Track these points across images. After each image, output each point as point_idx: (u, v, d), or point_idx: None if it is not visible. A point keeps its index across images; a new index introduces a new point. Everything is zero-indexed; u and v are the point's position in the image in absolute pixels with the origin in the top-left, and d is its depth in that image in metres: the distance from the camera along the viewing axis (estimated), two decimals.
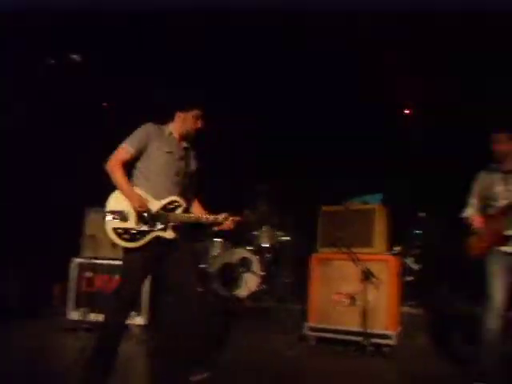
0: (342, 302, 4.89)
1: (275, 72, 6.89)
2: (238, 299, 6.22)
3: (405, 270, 6.14)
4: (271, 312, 5.90)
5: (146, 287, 5.18)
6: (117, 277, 5.28)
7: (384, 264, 4.80)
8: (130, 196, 3.33)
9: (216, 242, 6.71)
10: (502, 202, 3.89)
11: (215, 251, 6.57)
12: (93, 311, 5.33)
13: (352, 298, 4.85)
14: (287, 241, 6.87)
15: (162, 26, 6.13)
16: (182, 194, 3.52)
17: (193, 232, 4.86)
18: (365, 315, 4.64)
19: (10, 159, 6.38)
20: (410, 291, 5.99)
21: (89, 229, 5.68)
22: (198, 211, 3.70)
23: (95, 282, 5.54)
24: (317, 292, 5.02)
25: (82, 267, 5.58)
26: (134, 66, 6.78)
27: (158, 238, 3.37)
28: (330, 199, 5.41)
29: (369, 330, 4.59)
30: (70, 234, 5.92)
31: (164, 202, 3.43)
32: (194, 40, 6.30)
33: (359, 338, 4.61)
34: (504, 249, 3.83)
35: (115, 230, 3.30)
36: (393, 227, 5.33)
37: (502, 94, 6.01)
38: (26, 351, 4.59)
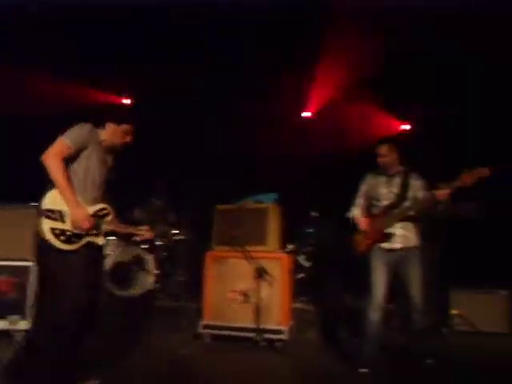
0: (237, 299, 4.96)
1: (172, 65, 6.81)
2: (132, 298, 6.10)
3: (297, 268, 6.36)
4: (166, 311, 5.85)
5: (31, 290, 4.85)
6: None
7: (277, 262, 4.94)
8: (70, 201, 3.17)
9: (109, 240, 6.50)
10: (384, 203, 4.20)
11: (108, 250, 6.38)
12: None
13: (246, 296, 4.94)
14: (182, 239, 6.84)
15: None
16: (102, 202, 3.47)
17: None
18: (258, 312, 4.76)
19: None
20: (301, 288, 6.23)
21: None
22: None
23: None
24: (211, 290, 5.06)
25: None
26: None
27: (89, 242, 3.30)
28: (226, 198, 5.47)
29: (262, 326, 4.72)
30: None
31: (95, 208, 3.36)
32: None
33: (253, 334, 4.72)
34: (385, 246, 4.13)
35: (53, 230, 3.13)
36: (286, 226, 5.50)
37: None
38: None
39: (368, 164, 4.36)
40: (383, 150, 4.21)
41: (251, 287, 4.90)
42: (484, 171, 3.73)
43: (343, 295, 6.54)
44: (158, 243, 6.57)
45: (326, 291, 6.60)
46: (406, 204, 4.11)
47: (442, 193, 3.86)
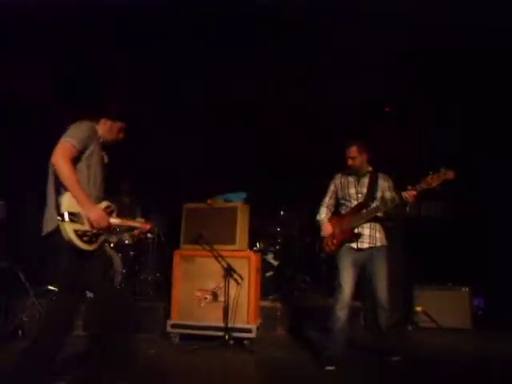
0: (205, 298, 4.96)
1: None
2: None
3: (265, 266, 6.38)
4: (133, 310, 5.79)
5: None
6: None
7: (245, 260, 4.96)
8: (86, 203, 3.16)
9: None
10: (353, 203, 4.26)
11: None
12: None
13: (214, 294, 4.94)
14: (151, 238, 6.78)
15: None
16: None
17: None
18: (227, 310, 4.77)
19: None
20: (269, 286, 6.26)
21: None
22: None
23: None
24: (180, 289, 5.03)
25: None
26: None
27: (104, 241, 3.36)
28: (194, 197, 5.45)
29: (230, 325, 4.73)
30: None
31: (102, 206, 3.35)
32: None
33: (221, 333, 4.72)
34: (353, 245, 4.20)
35: (76, 232, 3.10)
36: (254, 225, 5.51)
37: None
38: None
39: (338, 164, 4.41)
40: (353, 151, 4.25)
41: (219, 286, 4.91)
42: (449, 174, 3.83)
43: (310, 293, 6.61)
44: (126, 242, 6.49)
45: (294, 289, 6.65)
46: (374, 204, 4.18)
47: (409, 194, 3.94)
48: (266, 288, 5.94)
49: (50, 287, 5.79)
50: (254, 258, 5.01)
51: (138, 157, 7.05)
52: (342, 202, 4.36)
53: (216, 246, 4.93)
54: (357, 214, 4.19)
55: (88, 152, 3.28)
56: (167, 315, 5.07)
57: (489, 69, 5.82)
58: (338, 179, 4.43)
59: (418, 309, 5.94)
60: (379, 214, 4.19)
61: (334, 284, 4.24)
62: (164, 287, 5.44)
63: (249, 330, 4.78)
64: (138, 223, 3.92)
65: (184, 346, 4.77)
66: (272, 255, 6.77)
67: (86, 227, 3.18)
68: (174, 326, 4.94)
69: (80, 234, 3.13)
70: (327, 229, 4.30)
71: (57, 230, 3.10)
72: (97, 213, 3.19)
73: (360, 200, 4.24)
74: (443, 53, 5.74)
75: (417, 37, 5.45)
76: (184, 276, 5.05)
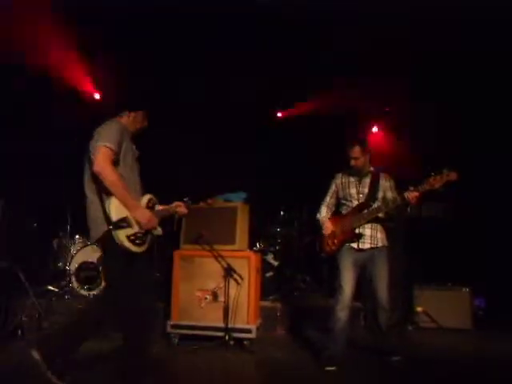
0: (205, 298, 4.95)
1: None
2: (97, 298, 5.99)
3: (265, 266, 6.38)
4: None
5: None
6: None
7: (245, 260, 4.94)
8: (133, 206, 3.20)
9: (76, 239, 6.40)
10: (354, 203, 4.24)
11: (75, 248, 6.27)
12: None
13: (214, 294, 4.93)
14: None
15: None
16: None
17: None
18: (226, 310, 4.76)
19: None
20: (269, 286, 6.25)
21: None
22: None
23: None
24: (179, 289, 5.02)
25: None
26: None
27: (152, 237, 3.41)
28: (195, 197, 5.43)
29: (231, 325, 4.72)
30: None
31: (145, 200, 3.38)
32: None
33: (221, 333, 4.71)
34: (353, 245, 4.19)
35: (128, 237, 3.15)
36: (254, 225, 5.50)
37: None
38: None
39: (339, 163, 4.40)
40: (356, 151, 4.22)
41: (219, 286, 4.89)
42: (452, 175, 3.81)
43: (310, 293, 6.61)
44: None
45: (294, 289, 6.65)
46: (376, 205, 4.17)
47: (412, 195, 3.91)
48: (266, 288, 5.93)
49: (50, 287, 5.83)
50: (254, 258, 5.00)
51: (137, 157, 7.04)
52: (343, 201, 4.35)
53: (216, 246, 4.92)
54: (358, 215, 4.18)
55: (123, 151, 3.28)
56: (167, 315, 5.06)
57: (489, 69, 5.82)
58: (339, 179, 4.41)
59: (419, 309, 5.93)
60: (380, 215, 4.18)
61: (335, 284, 4.24)
62: (164, 287, 5.41)
63: (249, 331, 4.77)
64: (177, 208, 3.83)
65: (184, 347, 4.76)
66: (272, 255, 6.76)
67: (136, 229, 3.21)
68: (174, 326, 4.93)
69: (132, 239, 3.18)
70: (328, 227, 4.29)
71: (107, 236, 3.14)
72: (146, 216, 3.24)
73: (361, 200, 4.22)
74: (443, 53, 5.75)
75: (417, 37, 5.46)
76: (184, 276, 5.04)
